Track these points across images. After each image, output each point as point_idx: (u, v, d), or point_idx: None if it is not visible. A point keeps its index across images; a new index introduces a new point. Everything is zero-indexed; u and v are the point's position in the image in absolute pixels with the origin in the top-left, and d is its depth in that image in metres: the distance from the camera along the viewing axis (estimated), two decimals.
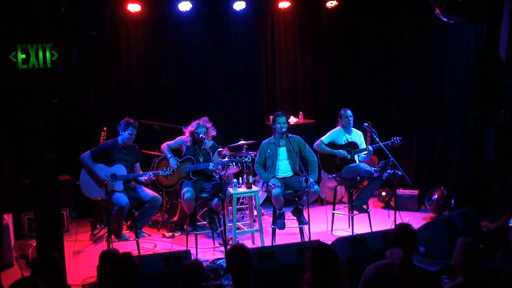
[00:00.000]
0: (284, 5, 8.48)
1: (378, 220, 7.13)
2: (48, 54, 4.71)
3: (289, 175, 6.52)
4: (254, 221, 6.65)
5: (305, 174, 6.12)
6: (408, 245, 3.66)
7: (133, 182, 6.26)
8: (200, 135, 6.25)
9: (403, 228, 3.78)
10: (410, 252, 3.69)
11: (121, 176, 6.06)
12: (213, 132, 6.46)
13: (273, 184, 6.29)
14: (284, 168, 6.53)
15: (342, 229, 6.91)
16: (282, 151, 6.54)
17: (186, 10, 7.86)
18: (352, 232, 6.58)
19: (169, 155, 6.32)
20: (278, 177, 6.46)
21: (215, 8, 8.29)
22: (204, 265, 5.37)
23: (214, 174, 6.31)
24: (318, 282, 3.42)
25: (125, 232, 6.35)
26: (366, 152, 6.87)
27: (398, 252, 3.65)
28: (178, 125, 8.01)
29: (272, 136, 6.61)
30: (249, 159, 6.56)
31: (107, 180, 5.96)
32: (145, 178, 6.15)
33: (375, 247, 5.26)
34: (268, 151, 6.51)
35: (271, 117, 6.67)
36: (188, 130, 6.40)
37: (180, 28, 8.22)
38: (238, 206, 7.26)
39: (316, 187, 6.18)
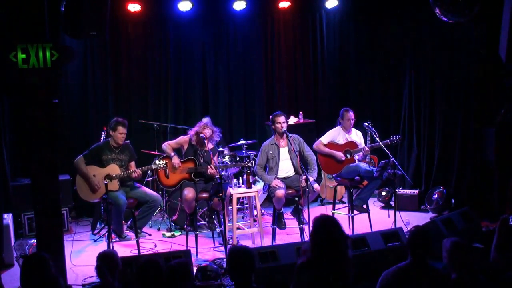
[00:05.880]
0: (284, 5, 8.48)
1: (378, 220, 7.12)
2: (48, 54, 4.70)
3: (290, 175, 6.53)
4: (254, 221, 6.65)
5: (305, 173, 6.12)
6: (423, 250, 3.65)
7: (132, 181, 6.26)
8: (201, 135, 6.24)
9: (417, 234, 3.74)
10: (425, 256, 3.67)
11: (116, 176, 6.07)
12: (216, 138, 6.45)
13: (276, 185, 6.28)
14: (285, 168, 6.53)
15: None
16: (284, 151, 6.55)
17: (186, 10, 7.87)
18: (352, 232, 6.58)
19: (172, 154, 6.33)
20: (280, 177, 6.46)
21: (215, 8, 8.29)
22: (204, 264, 5.41)
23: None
24: (319, 250, 3.35)
25: (125, 231, 6.36)
26: (362, 151, 6.89)
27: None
28: (177, 125, 8.04)
29: (272, 137, 6.60)
30: (252, 164, 6.54)
31: (98, 187, 5.97)
32: (138, 173, 6.12)
33: (375, 247, 5.27)
34: (271, 152, 6.50)
35: (271, 117, 6.67)
36: (194, 130, 6.40)
37: (180, 28, 8.22)
38: (238, 206, 7.25)
39: (316, 185, 6.19)
